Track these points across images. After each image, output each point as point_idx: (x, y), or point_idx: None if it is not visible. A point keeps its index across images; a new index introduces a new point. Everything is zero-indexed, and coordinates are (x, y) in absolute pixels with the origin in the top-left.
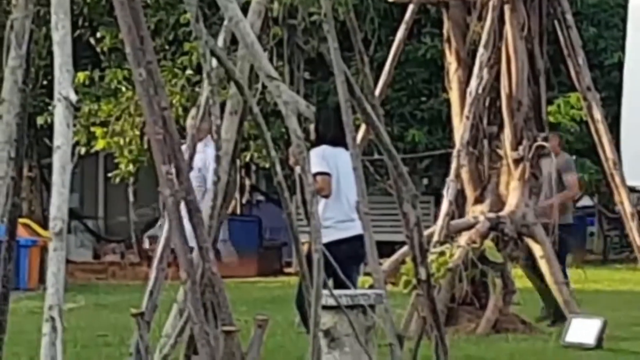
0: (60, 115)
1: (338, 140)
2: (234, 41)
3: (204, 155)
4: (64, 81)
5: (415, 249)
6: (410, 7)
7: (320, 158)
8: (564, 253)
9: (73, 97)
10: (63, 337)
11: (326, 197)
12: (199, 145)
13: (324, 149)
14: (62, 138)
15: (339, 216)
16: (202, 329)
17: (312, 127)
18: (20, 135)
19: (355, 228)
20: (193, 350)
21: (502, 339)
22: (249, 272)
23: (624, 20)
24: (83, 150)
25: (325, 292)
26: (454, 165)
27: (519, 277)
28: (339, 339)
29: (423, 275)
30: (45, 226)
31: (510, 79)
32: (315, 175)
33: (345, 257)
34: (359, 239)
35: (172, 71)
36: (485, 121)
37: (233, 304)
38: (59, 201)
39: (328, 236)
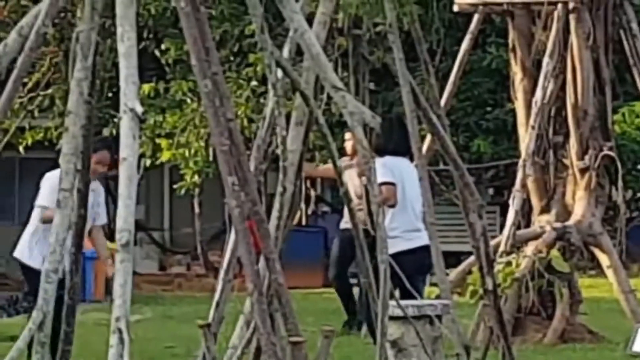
0: (126, 127)
1: (400, 150)
2: (299, 52)
3: None
4: (129, 93)
5: (481, 259)
6: (476, 17)
7: (385, 168)
8: None
9: (139, 109)
10: (130, 349)
11: (392, 206)
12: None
13: (387, 159)
14: (128, 150)
15: (405, 226)
16: (269, 339)
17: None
18: (86, 147)
19: (421, 238)
20: None
21: (569, 348)
22: (315, 282)
23: None
24: (148, 162)
25: (392, 302)
26: (519, 175)
27: (586, 287)
28: (406, 349)
29: (490, 286)
30: (111, 238)
31: (576, 89)
32: (380, 185)
33: (412, 267)
34: (425, 249)
35: (237, 82)
36: (550, 131)
37: (299, 315)
38: (125, 213)
39: (395, 246)
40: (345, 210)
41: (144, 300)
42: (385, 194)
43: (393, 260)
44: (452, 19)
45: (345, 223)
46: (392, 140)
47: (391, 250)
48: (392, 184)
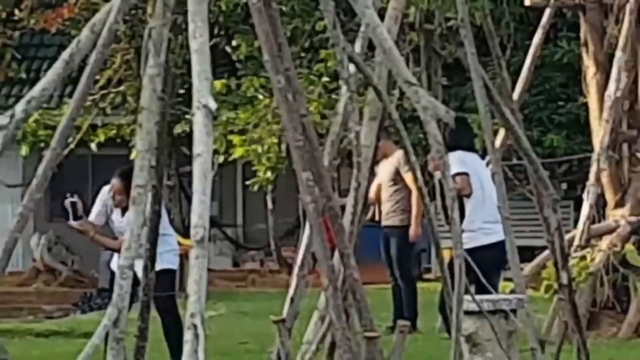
0: (199, 123)
1: (472, 146)
2: (371, 47)
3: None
4: (202, 89)
5: (556, 253)
6: (547, 11)
7: (458, 160)
8: None
9: (212, 105)
10: (204, 345)
11: (467, 196)
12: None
13: (460, 153)
14: (202, 146)
15: (484, 217)
16: (344, 335)
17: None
18: (160, 144)
19: (499, 233)
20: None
21: None
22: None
23: None
24: (221, 158)
25: (467, 297)
26: (593, 169)
27: None
28: (481, 344)
29: (564, 280)
30: (184, 234)
31: None
32: (454, 176)
33: (490, 262)
34: (502, 244)
35: (308, 78)
36: (624, 125)
37: (374, 310)
38: (200, 209)
39: (474, 241)
40: (383, 208)
41: (218, 297)
42: (459, 183)
43: (472, 255)
44: (523, 13)
45: (385, 220)
46: (464, 135)
47: (470, 245)
48: (465, 173)
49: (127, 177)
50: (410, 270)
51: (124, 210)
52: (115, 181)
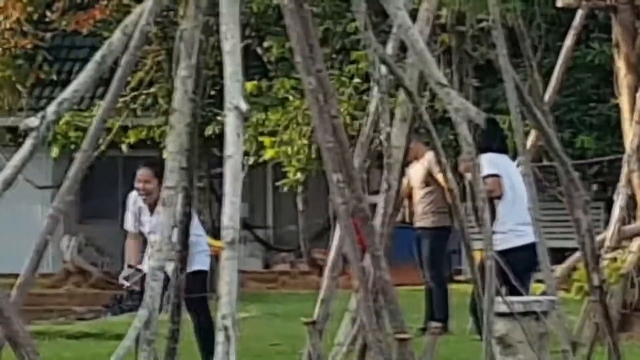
0: (231, 124)
1: (503, 148)
2: (402, 48)
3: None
4: (234, 91)
5: (587, 255)
6: (579, 13)
7: (489, 162)
8: None
9: (243, 107)
10: (236, 347)
11: (498, 198)
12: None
13: (491, 155)
14: (233, 147)
15: (517, 219)
16: (375, 336)
17: None
18: (191, 145)
19: (530, 235)
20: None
21: None
22: (420, 279)
23: None
24: (252, 160)
25: (498, 299)
26: (624, 170)
27: None
28: (513, 345)
29: (596, 282)
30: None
31: None
32: (484, 178)
33: (521, 264)
34: (533, 246)
35: (339, 80)
36: None
37: (405, 312)
38: (231, 210)
39: (506, 242)
40: (416, 210)
41: (249, 298)
42: (490, 185)
43: (504, 257)
44: (555, 15)
45: (418, 222)
46: (495, 137)
47: (502, 246)
48: (497, 175)
49: (153, 165)
50: (442, 272)
51: (152, 209)
52: (142, 171)
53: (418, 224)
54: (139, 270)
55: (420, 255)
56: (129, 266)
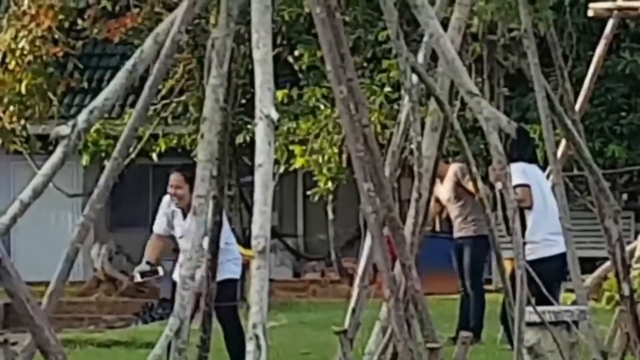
0: (261, 133)
1: (533, 157)
2: (434, 57)
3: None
4: (265, 99)
5: (617, 264)
6: (610, 22)
7: (519, 172)
8: None
9: (274, 115)
10: (267, 355)
11: (528, 208)
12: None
13: (521, 164)
14: (263, 156)
15: (547, 229)
16: (406, 346)
17: None
18: (222, 154)
19: (561, 245)
20: None
21: None
22: (450, 288)
23: None
24: (282, 168)
25: (528, 308)
26: None
27: None
28: (543, 355)
29: (626, 291)
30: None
31: None
32: (515, 187)
33: (551, 274)
34: (564, 256)
35: (370, 88)
36: None
37: (436, 321)
38: (261, 219)
39: (537, 252)
40: (454, 223)
41: (279, 307)
42: (520, 195)
43: (534, 267)
44: (586, 24)
45: (458, 232)
46: (526, 147)
47: (533, 256)
48: (527, 185)
49: (185, 170)
50: (481, 280)
51: (185, 213)
52: (173, 176)
53: (458, 234)
54: (155, 271)
55: (461, 263)
56: (147, 262)
